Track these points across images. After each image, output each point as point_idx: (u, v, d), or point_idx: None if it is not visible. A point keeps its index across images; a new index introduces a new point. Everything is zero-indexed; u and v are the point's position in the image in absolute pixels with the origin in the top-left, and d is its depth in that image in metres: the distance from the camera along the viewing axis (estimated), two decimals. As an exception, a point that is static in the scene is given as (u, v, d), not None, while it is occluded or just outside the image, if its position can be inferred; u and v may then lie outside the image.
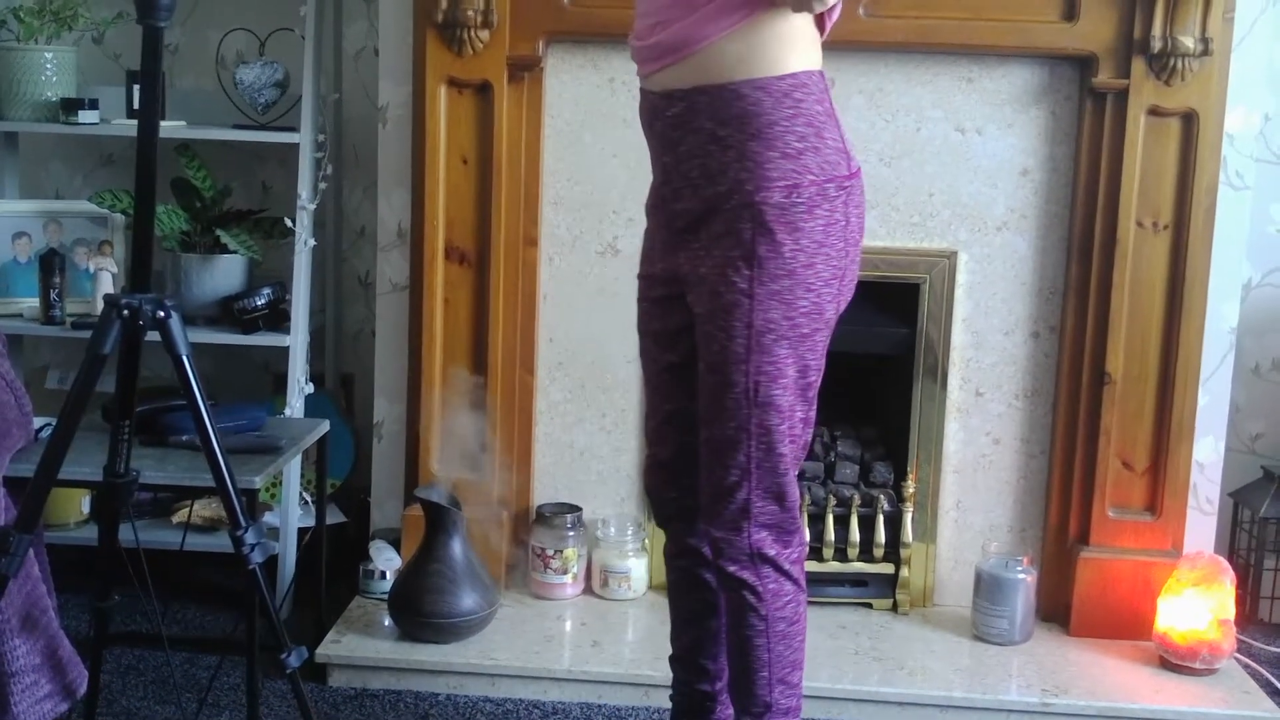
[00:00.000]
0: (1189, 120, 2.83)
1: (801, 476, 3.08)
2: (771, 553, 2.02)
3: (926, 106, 2.95)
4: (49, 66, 3.25)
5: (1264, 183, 3.24)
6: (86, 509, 3.17)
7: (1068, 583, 2.97)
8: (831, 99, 1.97)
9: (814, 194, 1.89)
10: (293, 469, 3.05)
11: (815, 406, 2.03)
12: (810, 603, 2.95)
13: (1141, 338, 2.91)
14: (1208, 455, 3.03)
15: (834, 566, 3.04)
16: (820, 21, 1.95)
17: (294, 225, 3.13)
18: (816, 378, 2.00)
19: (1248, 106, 2.94)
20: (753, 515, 2.01)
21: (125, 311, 2.02)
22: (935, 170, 2.96)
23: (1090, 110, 2.88)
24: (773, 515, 2.02)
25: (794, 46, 1.88)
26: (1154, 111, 2.83)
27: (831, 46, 2.85)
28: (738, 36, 1.85)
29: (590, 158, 2.99)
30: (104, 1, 3.37)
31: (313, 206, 3.15)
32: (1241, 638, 2.95)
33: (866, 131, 2.95)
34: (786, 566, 2.04)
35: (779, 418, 1.96)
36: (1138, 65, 2.81)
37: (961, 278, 2.99)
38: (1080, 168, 2.91)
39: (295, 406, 3.12)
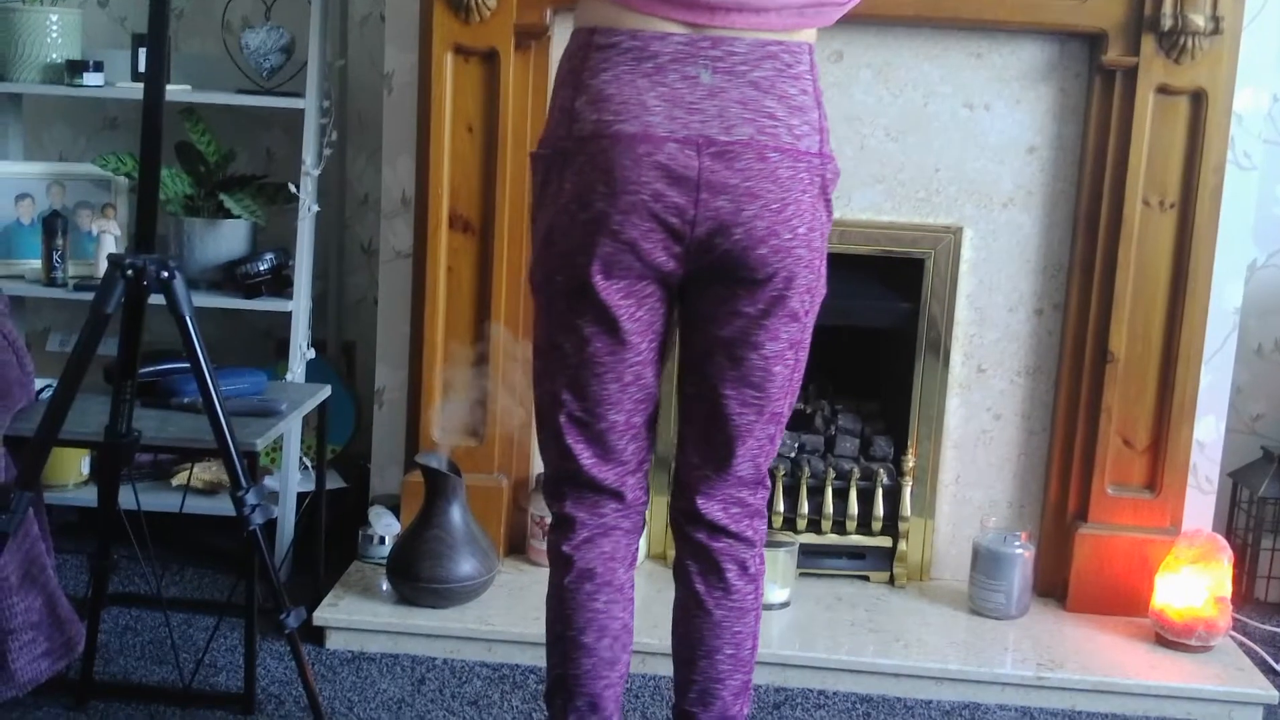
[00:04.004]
0: (1198, 99, 2.82)
1: (802, 449, 3.10)
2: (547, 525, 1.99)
3: (935, 82, 2.94)
4: (54, 28, 3.24)
5: (1271, 163, 3.23)
6: (85, 470, 3.17)
7: (1065, 558, 2.98)
8: (595, 62, 1.76)
9: (537, 154, 1.86)
10: (293, 434, 3.05)
11: (557, 380, 1.90)
12: (807, 574, 3.02)
13: (1145, 317, 2.91)
14: (1208, 434, 3.03)
15: (832, 539, 3.04)
16: None
17: (298, 191, 3.13)
18: (545, 346, 1.90)
19: (1256, 87, 2.93)
20: None
21: (130, 271, 2.03)
22: (942, 146, 2.95)
23: (1099, 88, 2.87)
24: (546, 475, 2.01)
25: (585, 7, 1.82)
26: (1163, 90, 2.82)
27: (840, 19, 2.89)
28: None
29: (595, 127, 2.97)
30: (110, -37, 3.36)
31: (317, 173, 3.14)
32: (1237, 616, 2.97)
33: (874, 105, 2.94)
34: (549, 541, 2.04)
35: (534, 366, 1.95)
36: (1147, 43, 2.79)
37: (966, 254, 2.98)
38: (1088, 145, 2.90)
39: (297, 372, 3.12)
